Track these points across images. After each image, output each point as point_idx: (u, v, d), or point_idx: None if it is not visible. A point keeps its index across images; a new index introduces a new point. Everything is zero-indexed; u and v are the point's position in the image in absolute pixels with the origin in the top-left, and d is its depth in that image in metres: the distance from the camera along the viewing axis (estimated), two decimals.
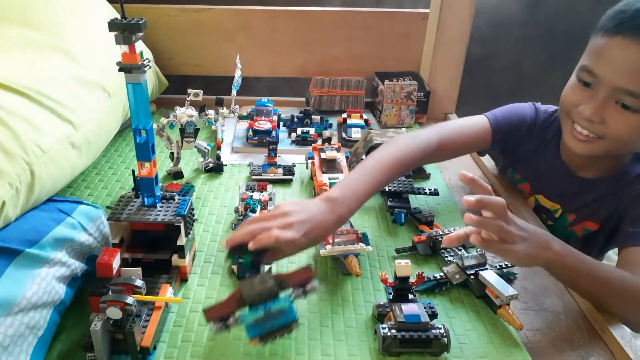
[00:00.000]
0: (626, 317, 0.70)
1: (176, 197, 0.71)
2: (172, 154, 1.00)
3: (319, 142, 1.03)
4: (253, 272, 0.60)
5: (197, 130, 0.98)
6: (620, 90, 0.74)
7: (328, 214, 0.67)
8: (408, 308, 0.63)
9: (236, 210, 0.87)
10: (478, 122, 0.96)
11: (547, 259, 0.66)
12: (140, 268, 0.65)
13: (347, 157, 1.01)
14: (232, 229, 0.82)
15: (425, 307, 0.65)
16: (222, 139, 1.13)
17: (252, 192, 0.88)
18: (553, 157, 0.93)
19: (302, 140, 1.14)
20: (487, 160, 1.11)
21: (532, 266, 0.70)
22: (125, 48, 0.59)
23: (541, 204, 0.97)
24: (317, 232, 0.65)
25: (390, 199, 0.91)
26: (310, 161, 1.01)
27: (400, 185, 0.93)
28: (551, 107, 0.96)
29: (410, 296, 0.67)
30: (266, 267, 0.66)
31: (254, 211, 0.82)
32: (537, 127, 0.95)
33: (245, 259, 0.62)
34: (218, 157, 1.04)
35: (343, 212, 0.68)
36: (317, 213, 0.66)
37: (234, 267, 0.75)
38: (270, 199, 0.87)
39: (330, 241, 0.75)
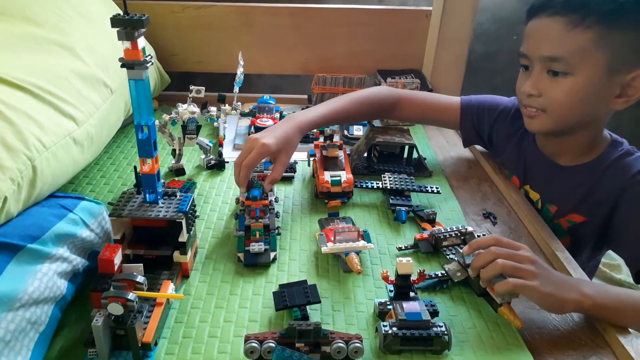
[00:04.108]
0: None
1: (178, 194, 0.71)
2: (174, 150, 1.00)
3: (321, 139, 1.02)
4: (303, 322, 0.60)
5: (199, 127, 0.98)
6: (546, 58, 0.81)
7: (287, 118, 0.91)
8: (409, 306, 0.63)
9: (237, 201, 0.87)
10: (449, 97, 1.08)
11: (576, 302, 0.64)
12: (141, 264, 0.65)
13: (348, 155, 1.01)
14: (235, 219, 0.83)
15: (426, 305, 0.65)
16: (224, 136, 1.13)
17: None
18: (531, 145, 0.96)
19: (304, 138, 1.13)
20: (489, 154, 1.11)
21: (564, 311, 0.68)
22: (127, 44, 0.59)
23: (529, 195, 0.98)
24: (284, 137, 0.86)
25: (392, 197, 0.91)
26: (312, 159, 1.01)
27: (402, 183, 0.93)
28: None
29: (412, 294, 0.67)
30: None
31: (255, 199, 0.82)
32: (512, 113, 1.00)
33: (296, 311, 0.65)
34: (220, 154, 1.04)
35: (301, 117, 0.91)
36: (279, 127, 0.89)
37: (240, 255, 0.76)
38: (270, 190, 0.87)
39: (332, 238, 0.75)
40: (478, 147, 1.14)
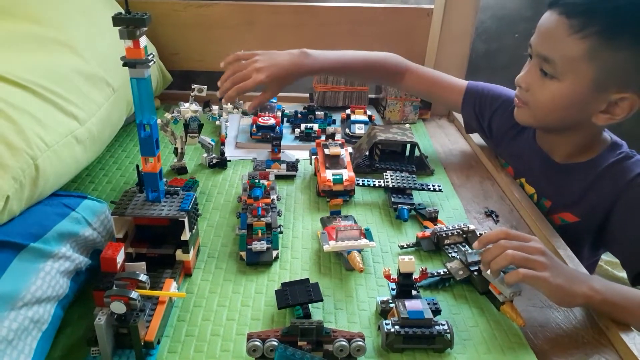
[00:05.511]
0: None
1: (180, 192, 0.71)
2: (176, 149, 1.00)
3: (323, 138, 1.02)
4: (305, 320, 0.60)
5: (201, 126, 0.98)
6: (540, 56, 0.81)
7: (296, 55, 0.97)
8: (411, 304, 0.64)
9: (239, 199, 0.87)
10: (457, 79, 1.10)
11: (586, 296, 0.64)
12: (144, 263, 0.65)
13: (350, 153, 1.01)
14: (237, 217, 0.83)
15: (428, 303, 0.65)
16: (226, 134, 1.13)
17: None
18: (530, 139, 0.97)
19: (306, 136, 1.14)
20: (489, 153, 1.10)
21: (572, 305, 0.68)
22: (129, 43, 0.59)
23: (524, 189, 0.98)
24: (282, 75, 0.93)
25: (394, 195, 0.91)
26: (313, 157, 1.01)
27: (404, 182, 0.93)
28: None
29: (414, 292, 0.67)
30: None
31: (257, 198, 0.82)
32: (513, 105, 0.98)
33: (298, 310, 0.66)
34: (222, 153, 1.04)
35: (310, 60, 0.97)
36: (283, 53, 0.96)
37: (242, 254, 0.76)
38: (272, 188, 0.87)
39: (334, 236, 0.75)
40: (479, 143, 1.14)
